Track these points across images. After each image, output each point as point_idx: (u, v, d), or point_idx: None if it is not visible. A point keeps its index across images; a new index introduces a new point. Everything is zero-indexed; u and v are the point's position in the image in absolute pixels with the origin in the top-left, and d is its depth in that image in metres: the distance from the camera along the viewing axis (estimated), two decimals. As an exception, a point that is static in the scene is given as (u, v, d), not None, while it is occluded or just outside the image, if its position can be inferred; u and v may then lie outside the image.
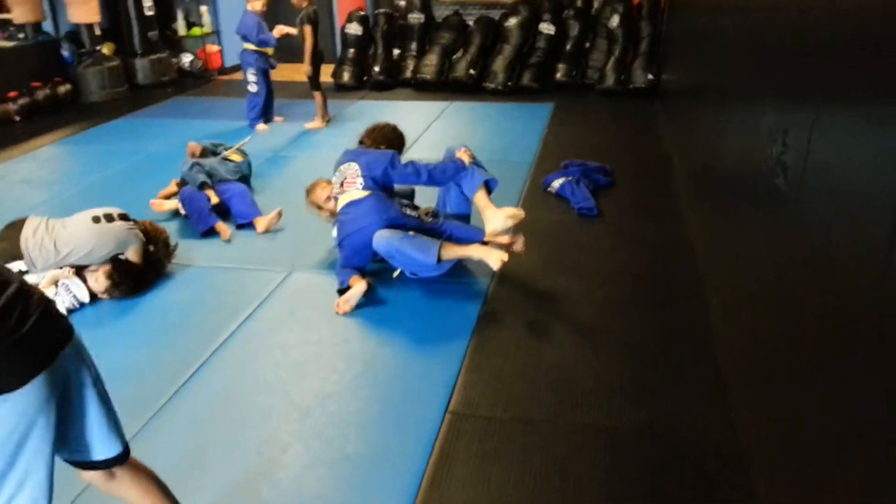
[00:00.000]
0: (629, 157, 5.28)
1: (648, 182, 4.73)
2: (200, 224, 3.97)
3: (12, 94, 6.86)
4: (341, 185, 3.42)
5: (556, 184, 4.44)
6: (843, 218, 1.57)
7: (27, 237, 3.15)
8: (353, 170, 3.40)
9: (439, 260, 3.09)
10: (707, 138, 3.66)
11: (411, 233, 3.20)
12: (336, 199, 3.44)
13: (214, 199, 4.12)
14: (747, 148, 2.58)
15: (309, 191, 3.76)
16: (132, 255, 3.35)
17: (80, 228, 3.27)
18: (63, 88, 7.38)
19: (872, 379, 1.38)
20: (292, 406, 2.50)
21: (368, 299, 3.21)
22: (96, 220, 3.32)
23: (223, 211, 4.16)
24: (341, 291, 3.19)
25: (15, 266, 3.12)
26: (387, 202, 3.33)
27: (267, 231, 4.00)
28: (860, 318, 1.45)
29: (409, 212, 3.36)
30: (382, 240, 3.15)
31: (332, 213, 3.54)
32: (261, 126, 6.38)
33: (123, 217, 3.41)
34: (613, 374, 2.62)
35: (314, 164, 5.28)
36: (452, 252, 3.17)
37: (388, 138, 3.69)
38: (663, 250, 3.66)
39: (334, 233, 3.43)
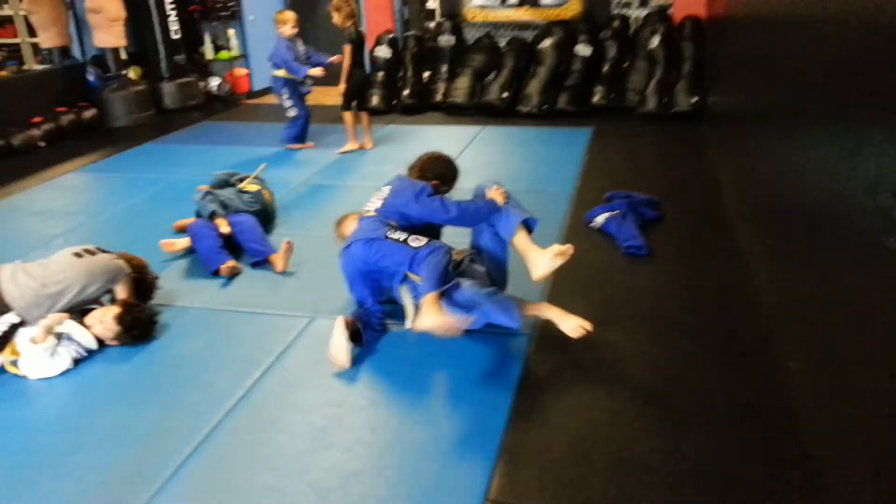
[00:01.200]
0: (676, 187, 4.92)
1: (700, 216, 4.36)
2: (209, 264, 3.71)
3: (37, 119, 6.74)
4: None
5: (601, 219, 4.10)
6: None
7: (7, 287, 2.93)
8: (381, 193, 3.15)
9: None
10: (774, 171, 3.29)
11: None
12: None
13: (225, 229, 3.87)
14: (837, 189, 2.22)
15: (338, 224, 3.49)
16: (122, 288, 3.15)
17: (67, 265, 3.08)
18: (88, 113, 7.26)
19: None
20: (309, 487, 2.18)
21: (399, 354, 2.90)
22: (78, 255, 3.14)
23: (234, 244, 3.89)
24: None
25: (6, 319, 2.89)
26: (376, 224, 3.00)
27: (285, 269, 3.72)
28: None
29: (393, 234, 2.96)
30: (469, 291, 2.84)
31: None
32: (294, 146, 6.31)
33: (101, 250, 3.23)
34: (682, 454, 2.26)
35: (343, 193, 5.03)
36: (528, 311, 2.88)
37: (440, 171, 3.31)
38: (725, 298, 3.29)
39: None
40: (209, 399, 2.64)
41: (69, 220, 4.73)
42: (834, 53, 2.35)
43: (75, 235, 4.39)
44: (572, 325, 2.75)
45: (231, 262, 3.70)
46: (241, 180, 4.40)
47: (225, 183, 4.33)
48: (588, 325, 2.75)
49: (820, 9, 2.51)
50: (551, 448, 2.30)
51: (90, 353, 2.99)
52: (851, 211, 2.04)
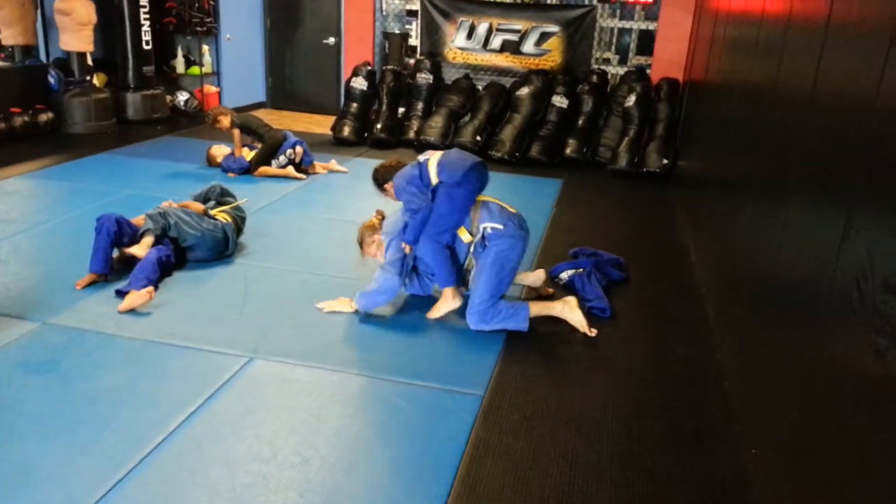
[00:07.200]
0: (643, 248, 4.83)
1: (665, 280, 4.26)
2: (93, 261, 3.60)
3: (-13, 118, 6.42)
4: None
5: (565, 275, 3.96)
6: None
7: None
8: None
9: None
10: (746, 242, 3.20)
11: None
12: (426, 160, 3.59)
13: (137, 251, 3.66)
14: (817, 271, 2.11)
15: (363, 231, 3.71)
16: None
17: None
18: (44, 117, 6.95)
19: None
20: (222, 558, 1.93)
21: (346, 404, 2.68)
22: None
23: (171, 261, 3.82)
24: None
25: None
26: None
27: (130, 310, 3.32)
28: None
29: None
30: (487, 289, 3.29)
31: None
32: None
33: None
34: (634, 544, 2.08)
35: (303, 224, 4.81)
36: (536, 310, 3.36)
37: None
38: (688, 370, 3.15)
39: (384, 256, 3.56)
40: (123, 442, 2.38)
41: (3, 229, 4.41)
42: (823, 129, 2.26)
43: (8, 244, 4.10)
44: (580, 321, 3.36)
45: (93, 276, 3.58)
46: (220, 203, 4.24)
47: (202, 200, 4.22)
48: (591, 333, 3.37)
49: (810, 82, 2.43)
50: (495, 529, 2.10)
51: None
52: (834, 298, 1.92)
